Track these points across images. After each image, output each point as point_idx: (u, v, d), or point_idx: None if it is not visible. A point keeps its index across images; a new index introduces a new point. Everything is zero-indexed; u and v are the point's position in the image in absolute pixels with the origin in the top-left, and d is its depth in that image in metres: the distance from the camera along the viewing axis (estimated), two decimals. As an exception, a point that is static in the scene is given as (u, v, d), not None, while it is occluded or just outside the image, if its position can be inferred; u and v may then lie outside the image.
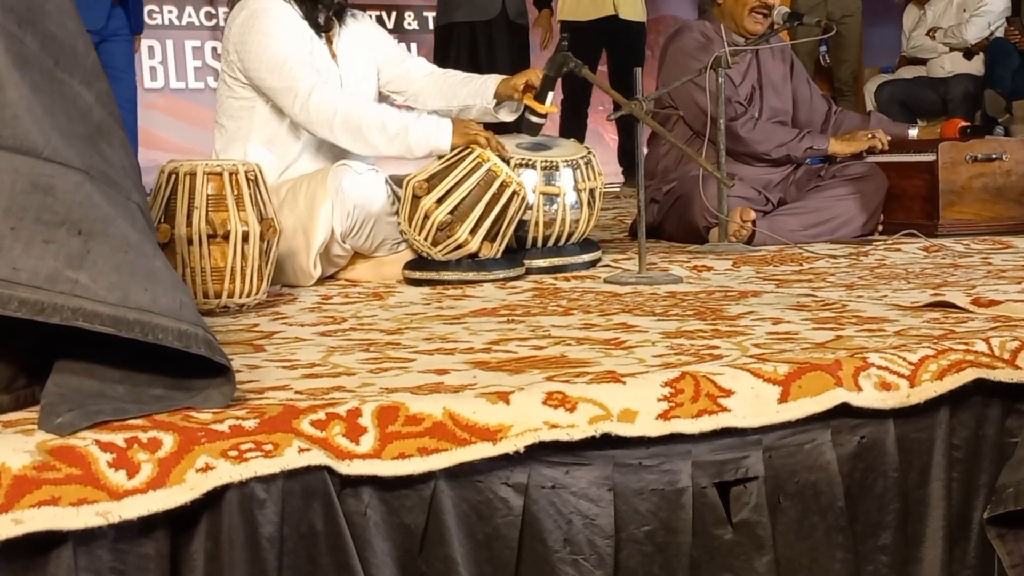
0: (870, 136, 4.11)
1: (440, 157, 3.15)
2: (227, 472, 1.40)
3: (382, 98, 3.47)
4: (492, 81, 3.37)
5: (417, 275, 3.07)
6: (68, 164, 1.43)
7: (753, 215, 3.75)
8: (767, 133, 4.05)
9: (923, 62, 7.56)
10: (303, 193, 3.09)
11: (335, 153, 3.29)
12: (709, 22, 4.20)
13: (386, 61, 3.47)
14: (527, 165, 3.18)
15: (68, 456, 1.35)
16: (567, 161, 3.25)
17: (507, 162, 3.12)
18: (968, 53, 7.30)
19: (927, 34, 7.44)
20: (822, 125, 4.28)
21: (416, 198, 3.03)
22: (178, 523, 1.41)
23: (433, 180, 3.04)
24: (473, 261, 3.05)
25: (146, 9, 6.24)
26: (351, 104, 3.13)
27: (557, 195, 3.21)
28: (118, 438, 1.39)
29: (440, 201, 3.01)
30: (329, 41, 3.33)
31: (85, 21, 1.60)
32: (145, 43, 6.52)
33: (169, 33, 7.60)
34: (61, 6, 1.54)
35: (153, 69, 7.48)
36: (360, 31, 3.44)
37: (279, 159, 3.26)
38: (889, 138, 4.13)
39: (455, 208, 3.00)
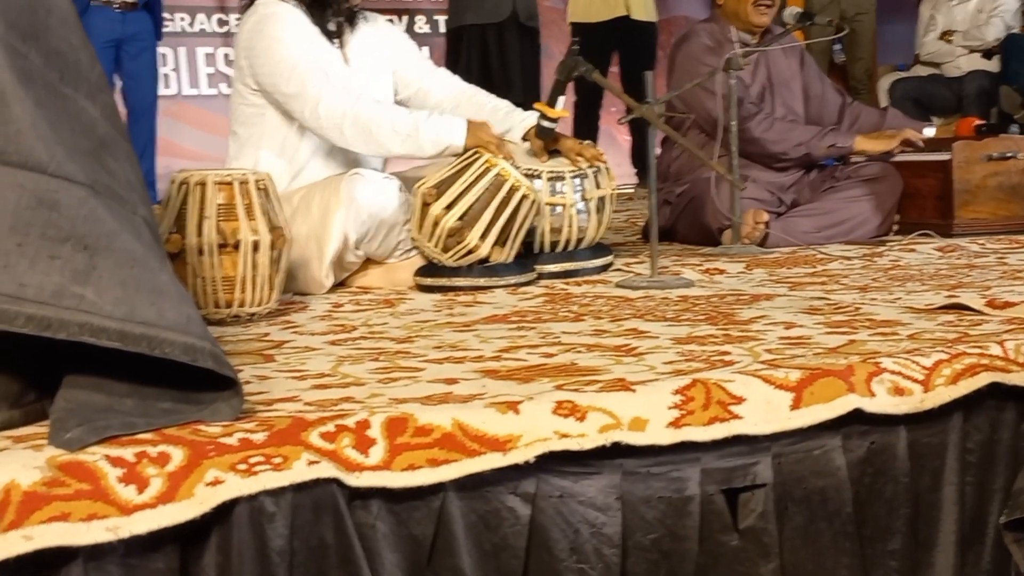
0: (898, 133, 4.04)
1: (454, 155, 3.15)
2: (236, 486, 1.40)
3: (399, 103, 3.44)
4: (520, 127, 3.32)
5: (428, 282, 3.06)
6: (73, 179, 1.43)
7: (766, 217, 3.74)
8: (783, 132, 4.00)
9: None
10: (316, 202, 3.09)
11: (346, 158, 3.29)
12: (713, 23, 4.18)
13: (402, 74, 3.44)
14: (533, 175, 3.17)
15: (78, 471, 1.35)
16: (574, 171, 3.23)
17: (516, 166, 3.11)
18: (988, 53, 7.26)
19: (941, 38, 7.39)
20: (837, 119, 4.25)
21: (425, 205, 3.02)
22: (188, 537, 1.41)
23: (442, 186, 3.03)
24: (484, 267, 3.05)
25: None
26: (359, 106, 3.12)
27: (563, 205, 3.20)
28: (127, 453, 1.39)
29: (449, 207, 3.00)
30: (341, 46, 3.33)
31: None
32: (158, 50, 6.55)
33: (182, 40, 7.62)
34: (65, 20, 1.54)
35: (166, 76, 7.50)
36: (374, 34, 3.42)
37: (290, 165, 3.25)
38: (926, 135, 4.05)
39: (464, 214, 3.00)
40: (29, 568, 1.31)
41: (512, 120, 3.34)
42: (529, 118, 3.33)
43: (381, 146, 3.15)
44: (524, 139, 3.30)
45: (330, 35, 3.28)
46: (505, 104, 3.43)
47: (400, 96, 3.42)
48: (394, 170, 3.41)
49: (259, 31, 3.19)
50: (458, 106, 3.35)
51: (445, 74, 3.52)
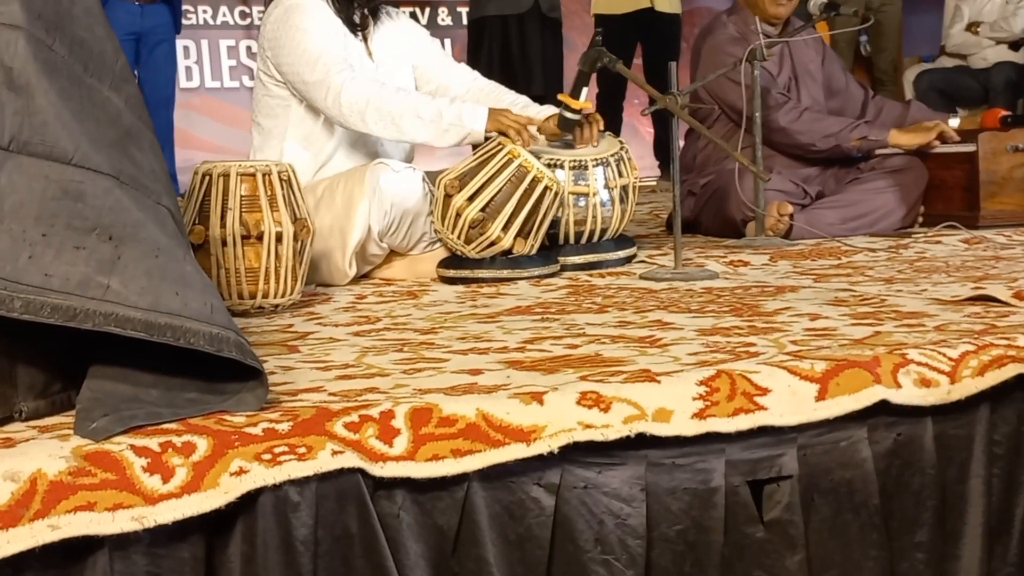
0: (935, 124, 4.00)
1: (474, 147, 3.15)
2: (261, 475, 1.40)
3: None
4: (536, 118, 3.32)
5: (451, 273, 3.06)
6: (98, 169, 1.44)
7: (790, 209, 3.72)
8: (811, 123, 3.94)
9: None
10: (340, 192, 3.10)
11: (370, 150, 3.30)
12: (736, 14, 4.15)
13: (423, 69, 3.45)
14: (556, 165, 3.16)
15: (103, 461, 1.36)
16: (596, 159, 3.23)
17: (537, 157, 3.10)
18: (1015, 45, 7.20)
19: (967, 29, 7.32)
20: (860, 113, 4.22)
21: (448, 196, 3.02)
22: (213, 527, 1.41)
23: (464, 178, 3.03)
24: (507, 259, 3.04)
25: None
26: (382, 94, 3.13)
27: (587, 194, 3.19)
28: (152, 442, 1.39)
29: (471, 199, 3.00)
30: (365, 39, 3.33)
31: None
32: (180, 43, 6.57)
33: (204, 33, 7.64)
34: (89, 11, 1.55)
35: (188, 69, 7.51)
36: (397, 29, 3.44)
37: (315, 157, 3.27)
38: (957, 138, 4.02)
39: (487, 205, 2.99)
40: (56, 557, 1.32)
41: (527, 114, 3.34)
42: (543, 111, 3.33)
43: (404, 132, 3.15)
44: (538, 131, 3.30)
45: (354, 27, 3.29)
46: (523, 99, 3.43)
47: (421, 92, 3.42)
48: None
49: (284, 21, 3.20)
50: (477, 102, 3.35)
51: (465, 69, 3.53)
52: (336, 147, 3.29)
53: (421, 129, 3.13)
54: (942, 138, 3.95)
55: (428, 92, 3.40)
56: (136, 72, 6.01)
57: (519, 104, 3.40)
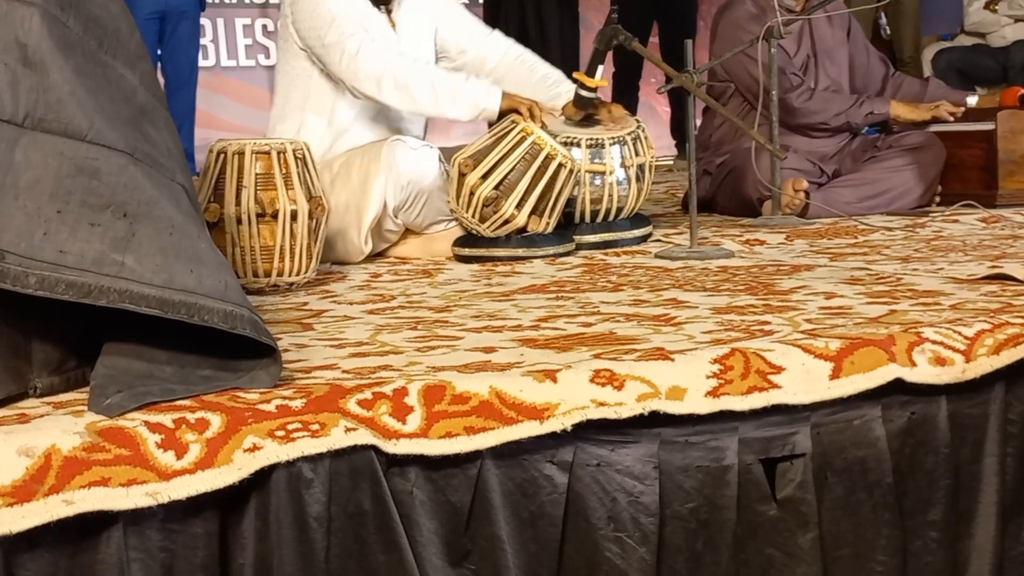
0: (935, 106, 4.02)
1: (490, 125, 3.15)
2: (274, 452, 1.41)
3: None
4: (564, 97, 3.31)
5: (466, 252, 3.06)
6: (112, 147, 1.44)
7: (805, 184, 3.70)
8: (823, 103, 3.98)
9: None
10: (356, 168, 3.10)
11: (390, 125, 3.29)
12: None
13: (456, 40, 3.42)
14: (572, 143, 3.16)
15: (117, 437, 1.36)
16: (613, 138, 3.22)
17: (553, 135, 3.09)
18: (1033, 22, 7.14)
19: (986, 7, 7.26)
20: (880, 89, 4.20)
21: (462, 175, 3.02)
22: (227, 503, 1.42)
23: (478, 156, 3.03)
24: (522, 237, 3.04)
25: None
26: (400, 63, 3.13)
27: (603, 173, 3.19)
28: (166, 419, 1.40)
29: (485, 176, 2.99)
30: (388, 12, 3.32)
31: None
32: (195, 21, 6.57)
33: (220, 12, 7.63)
34: (104, -12, 1.55)
35: (204, 48, 7.49)
36: (424, 1, 3.42)
37: (332, 130, 3.26)
38: (962, 109, 4.03)
39: (500, 183, 2.99)
40: (71, 532, 1.33)
41: (559, 90, 3.34)
42: (566, 93, 3.32)
43: (417, 103, 3.14)
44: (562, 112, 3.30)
45: (377, 1, 3.28)
46: (556, 74, 3.41)
47: (456, 63, 3.40)
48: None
49: None
50: (510, 70, 3.35)
51: (498, 36, 3.49)
52: (354, 119, 3.28)
53: (435, 102, 3.12)
54: (937, 119, 3.96)
55: (464, 63, 3.37)
56: (159, 51, 6.01)
57: (551, 78, 3.38)
